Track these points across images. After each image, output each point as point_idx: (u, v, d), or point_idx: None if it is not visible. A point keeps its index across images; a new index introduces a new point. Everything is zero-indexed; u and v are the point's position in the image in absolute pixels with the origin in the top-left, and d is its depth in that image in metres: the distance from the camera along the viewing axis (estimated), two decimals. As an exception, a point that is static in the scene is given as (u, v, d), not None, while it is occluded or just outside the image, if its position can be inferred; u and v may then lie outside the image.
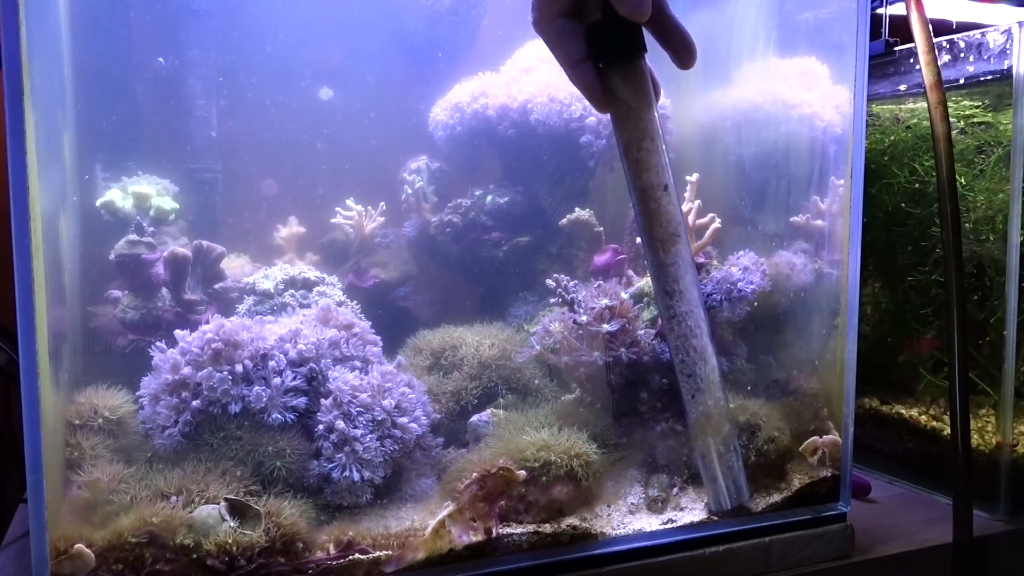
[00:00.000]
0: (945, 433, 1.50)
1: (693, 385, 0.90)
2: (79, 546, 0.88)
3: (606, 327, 1.22)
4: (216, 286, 1.35)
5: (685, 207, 1.34)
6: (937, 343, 1.60)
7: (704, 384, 0.90)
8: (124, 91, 1.29)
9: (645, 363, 1.27)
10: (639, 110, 0.83)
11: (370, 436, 1.09)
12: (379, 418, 1.11)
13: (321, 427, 1.09)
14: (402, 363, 1.25)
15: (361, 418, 1.10)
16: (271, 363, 1.09)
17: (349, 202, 1.49)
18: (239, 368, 1.08)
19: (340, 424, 1.08)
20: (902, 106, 1.66)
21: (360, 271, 1.52)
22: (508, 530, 1.05)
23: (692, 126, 1.51)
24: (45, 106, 0.91)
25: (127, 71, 1.29)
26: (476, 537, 1.02)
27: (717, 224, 1.33)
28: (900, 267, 1.65)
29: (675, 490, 1.23)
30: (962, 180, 1.55)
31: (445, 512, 1.02)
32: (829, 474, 1.23)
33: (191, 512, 0.94)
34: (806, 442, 1.24)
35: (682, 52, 0.84)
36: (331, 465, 1.07)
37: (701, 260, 1.34)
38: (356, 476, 1.07)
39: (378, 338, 1.25)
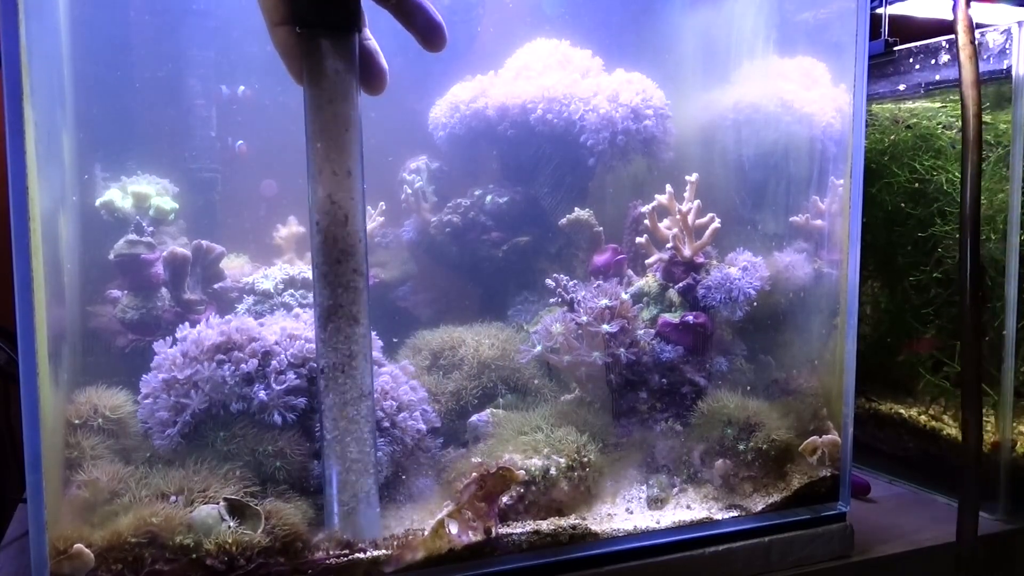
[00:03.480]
0: (944, 433, 1.50)
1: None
2: (78, 546, 0.88)
3: (606, 327, 1.22)
4: (216, 286, 1.35)
5: (684, 207, 1.34)
6: (937, 343, 1.59)
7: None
8: (124, 90, 1.29)
9: (645, 363, 1.27)
10: (335, 101, 0.71)
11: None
12: (380, 420, 1.11)
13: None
14: (406, 367, 1.25)
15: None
16: (272, 363, 1.09)
17: (349, 202, 1.49)
18: (239, 368, 1.07)
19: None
20: (901, 106, 1.66)
21: (360, 271, 1.52)
22: (508, 530, 1.05)
23: (692, 126, 1.51)
24: (45, 106, 0.91)
25: (127, 70, 1.29)
26: (476, 537, 1.02)
27: (717, 224, 1.33)
28: (900, 267, 1.65)
29: (675, 490, 1.23)
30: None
31: (445, 512, 1.02)
32: (828, 474, 1.23)
33: (191, 512, 0.94)
34: (806, 442, 1.24)
35: (428, 33, 0.71)
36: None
37: (700, 260, 1.35)
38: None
39: (379, 342, 1.25)
